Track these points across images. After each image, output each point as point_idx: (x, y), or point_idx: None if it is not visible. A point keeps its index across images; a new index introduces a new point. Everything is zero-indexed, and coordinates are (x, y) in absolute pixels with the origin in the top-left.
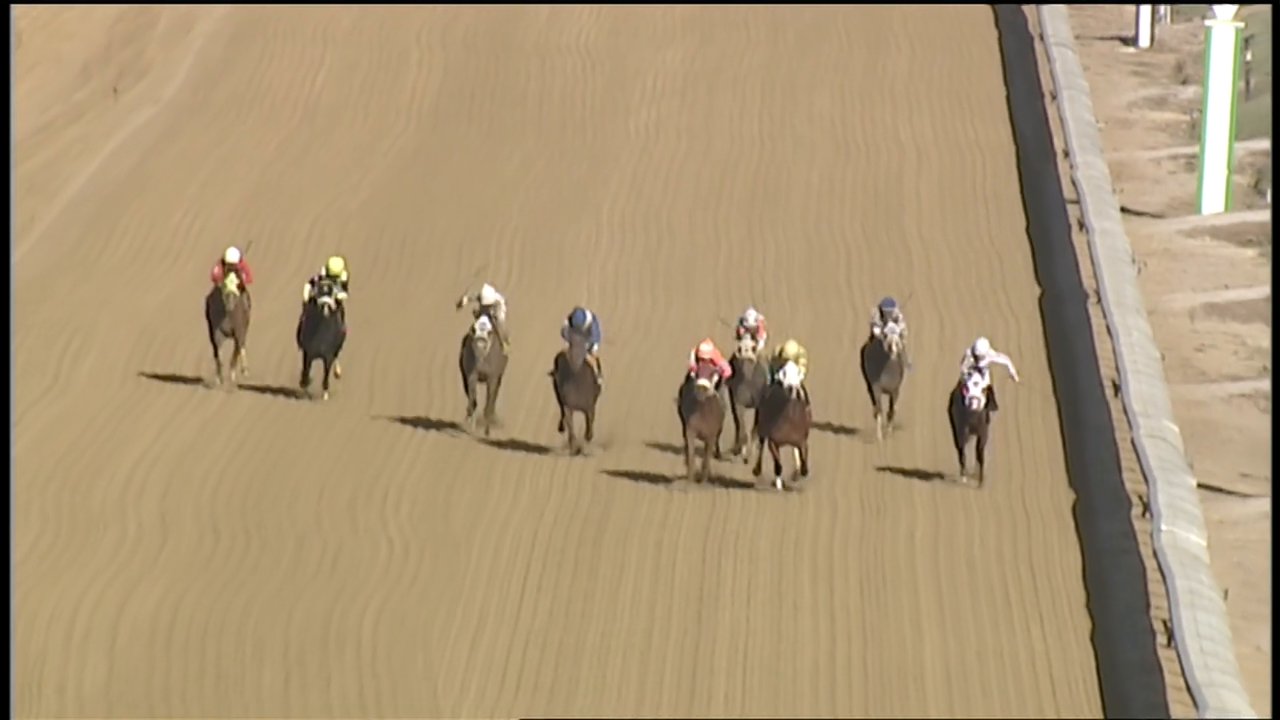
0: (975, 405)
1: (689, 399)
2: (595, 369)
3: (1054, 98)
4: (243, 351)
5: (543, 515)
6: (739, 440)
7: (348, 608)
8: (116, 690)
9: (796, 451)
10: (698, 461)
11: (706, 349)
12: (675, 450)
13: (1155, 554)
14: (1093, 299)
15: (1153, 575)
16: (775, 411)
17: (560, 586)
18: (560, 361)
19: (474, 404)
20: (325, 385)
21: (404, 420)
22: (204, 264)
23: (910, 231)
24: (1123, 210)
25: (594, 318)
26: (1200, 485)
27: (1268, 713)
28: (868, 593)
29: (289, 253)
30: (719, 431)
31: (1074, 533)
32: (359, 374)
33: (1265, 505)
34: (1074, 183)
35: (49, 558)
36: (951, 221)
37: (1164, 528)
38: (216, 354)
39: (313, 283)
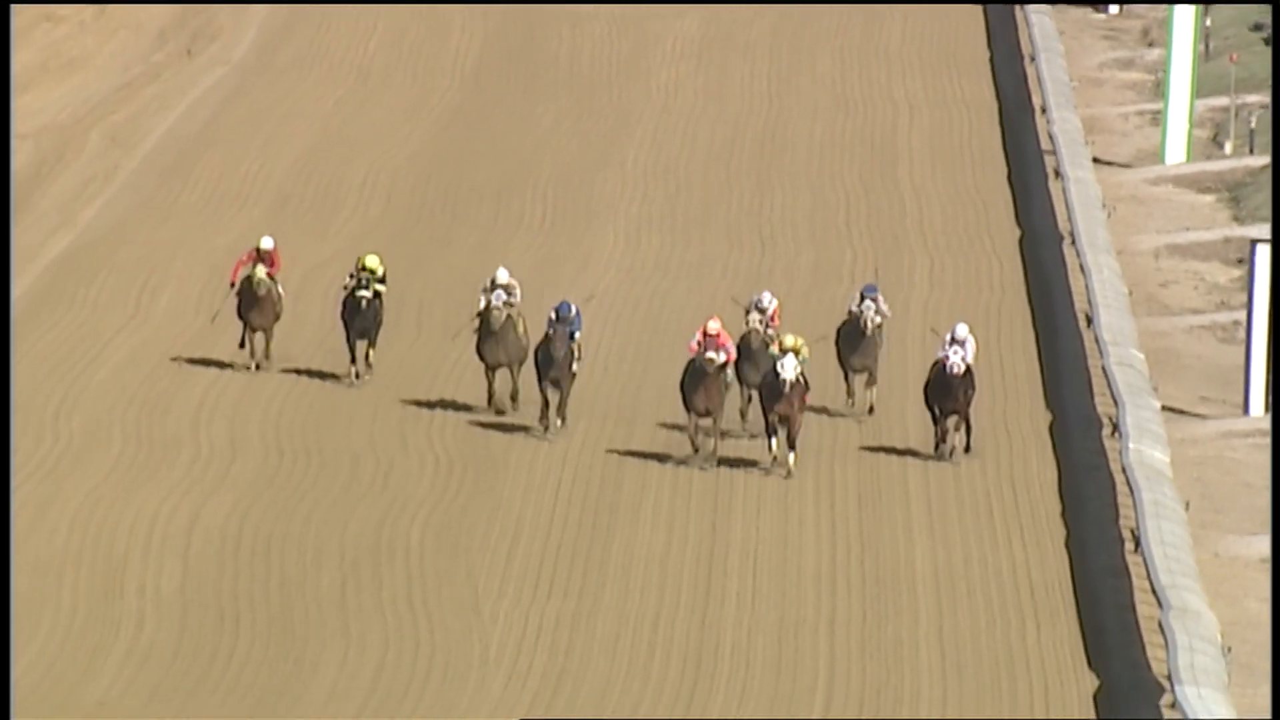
0: (956, 370)
1: (693, 371)
2: (574, 355)
3: (1032, 59)
4: (270, 341)
5: (573, 436)
6: (744, 413)
7: (398, 519)
8: (190, 592)
9: (789, 427)
10: (702, 438)
11: (714, 326)
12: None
13: (1124, 470)
14: (1067, 240)
15: (1121, 489)
16: (775, 396)
17: (588, 500)
18: (542, 347)
19: (492, 393)
20: (368, 362)
21: (448, 351)
22: (269, 209)
23: (903, 180)
24: (1094, 160)
25: (578, 310)
26: (1164, 407)
27: (1224, 611)
28: (865, 505)
29: (345, 198)
30: (722, 406)
31: (1050, 451)
32: (408, 309)
33: (1222, 425)
34: (1050, 136)
35: (130, 473)
36: (940, 171)
37: (1131, 446)
38: (244, 340)
39: (352, 275)
